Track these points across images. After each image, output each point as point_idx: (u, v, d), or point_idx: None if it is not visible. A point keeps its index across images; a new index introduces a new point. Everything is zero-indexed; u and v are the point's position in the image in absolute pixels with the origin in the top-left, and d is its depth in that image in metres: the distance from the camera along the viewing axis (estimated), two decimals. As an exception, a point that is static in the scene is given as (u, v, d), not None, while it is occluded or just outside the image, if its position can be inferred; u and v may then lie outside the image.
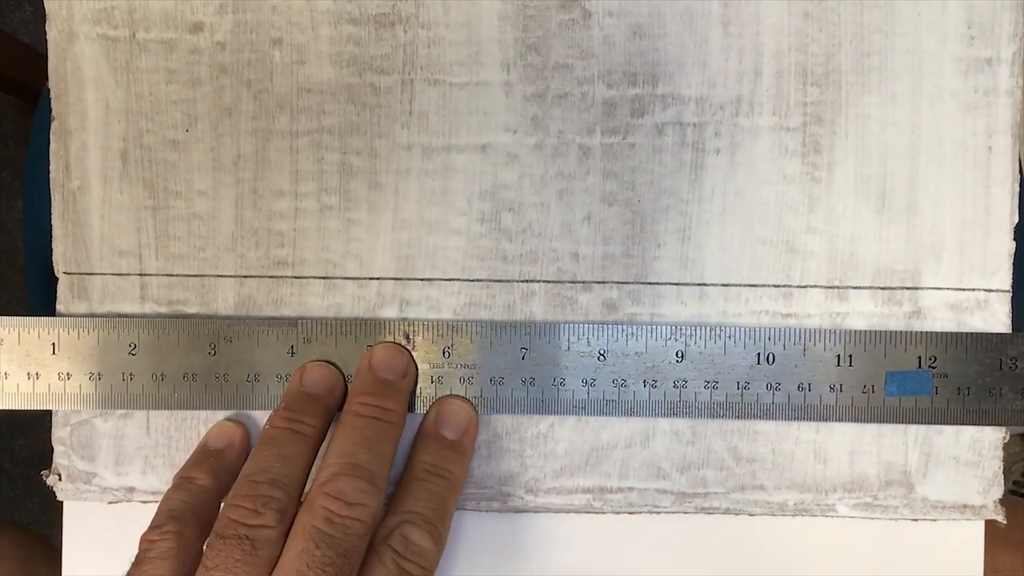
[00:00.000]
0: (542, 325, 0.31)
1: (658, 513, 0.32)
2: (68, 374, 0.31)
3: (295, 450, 0.29)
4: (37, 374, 0.31)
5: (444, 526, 0.29)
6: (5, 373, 0.31)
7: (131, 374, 0.31)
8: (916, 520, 0.32)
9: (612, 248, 0.32)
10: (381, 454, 0.29)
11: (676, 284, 0.32)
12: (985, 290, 0.31)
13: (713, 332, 0.31)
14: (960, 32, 0.31)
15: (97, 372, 0.31)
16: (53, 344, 0.31)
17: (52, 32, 0.32)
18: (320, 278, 0.32)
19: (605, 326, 0.31)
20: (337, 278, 0.32)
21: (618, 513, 0.32)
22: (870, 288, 0.31)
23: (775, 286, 0.32)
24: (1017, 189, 0.31)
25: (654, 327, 0.31)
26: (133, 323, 0.31)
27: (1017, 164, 0.31)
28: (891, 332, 0.31)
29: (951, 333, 0.31)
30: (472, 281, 0.32)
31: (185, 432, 0.32)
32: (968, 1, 0.31)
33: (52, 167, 0.32)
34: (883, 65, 0.31)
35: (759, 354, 0.31)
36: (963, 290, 0.31)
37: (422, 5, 0.31)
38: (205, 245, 0.32)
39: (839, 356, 0.31)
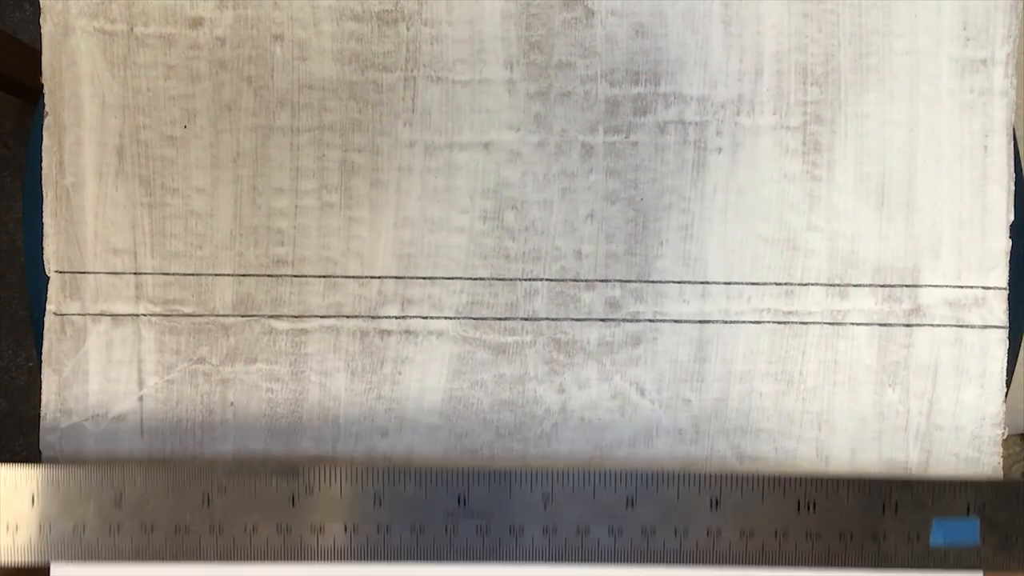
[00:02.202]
0: (568, 472, 0.29)
1: None
2: (51, 526, 0.29)
3: None
4: (17, 527, 0.29)
5: None
6: None
7: (118, 526, 0.29)
8: (917, 517, 0.32)
9: (615, 246, 0.32)
10: None
11: (679, 282, 0.32)
12: (983, 287, 0.32)
13: (750, 480, 0.29)
14: (956, 33, 0.31)
15: (82, 524, 0.29)
16: (32, 495, 0.29)
17: (47, 26, 0.31)
18: (320, 276, 0.31)
19: (631, 473, 0.29)
20: (338, 276, 0.31)
21: None
22: (870, 286, 0.32)
23: (777, 284, 0.32)
24: (1013, 187, 0.32)
25: (688, 474, 0.29)
26: (118, 471, 0.29)
27: (1013, 163, 0.32)
28: (938, 480, 0.29)
29: (1000, 481, 0.30)
30: (475, 279, 0.31)
31: (180, 435, 0.31)
32: (963, 3, 0.31)
33: (44, 163, 0.31)
34: (881, 65, 0.31)
35: (799, 501, 0.29)
36: (961, 287, 0.32)
37: (425, 2, 0.31)
38: (203, 243, 0.31)
39: (884, 503, 0.29)
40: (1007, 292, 0.32)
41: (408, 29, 0.31)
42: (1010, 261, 0.32)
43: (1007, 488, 0.29)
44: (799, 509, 0.29)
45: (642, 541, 0.29)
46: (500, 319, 0.32)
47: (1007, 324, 0.32)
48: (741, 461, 0.32)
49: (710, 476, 0.29)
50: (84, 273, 0.31)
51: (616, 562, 0.29)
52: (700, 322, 0.32)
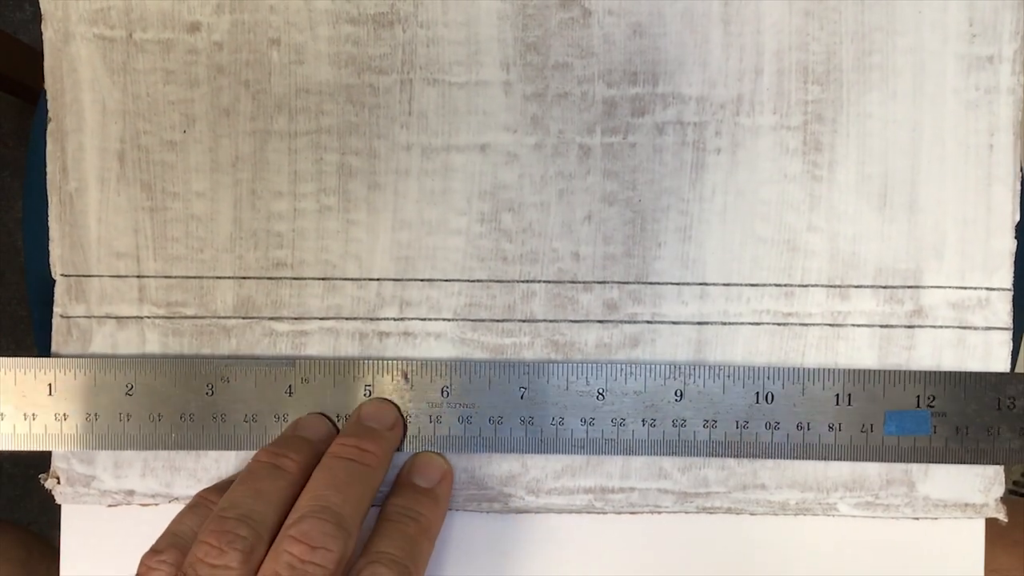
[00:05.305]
0: (541, 364, 0.31)
1: (660, 513, 0.32)
2: (65, 415, 0.31)
3: (272, 486, 0.28)
4: (34, 415, 0.31)
5: (416, 567, 0.28)
6: (2, 414, 0.31)
7: (128, 415, 0.31)
8: (917, 519, 0.32)
9: (613, 248, 0.31)
10: (355, 497, 0.28)
11: (677, 284, 0.31)
12: (987, 288, 0.31)
13: (712, 371, 0.31)
14: (961, 30, 0.31)
15: (94, 413, 0.31)
16: (49, 385, 0.31)
17: (48, 32, 0.31)
18: (319, 279, 0.32)
19: (604, 365, 0.31)
20: (336, 279, 0.32)
21: (619, 513, 0.32)
22: (871, 287, 0.31)
23: (776, 285, 0.31)
24: (1018, 187, 0.31)
25: (653, 366, 0.31)
26: (130, 364, 0.31)
27: (1018, 162, 0.31)
28: (890, 371, 0.31)
29: (950, 372, 0.31)
30: (472, 282, 0.32)
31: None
32: (969, -1, 0.31)
33: (48, 169, 0.31)
34: (884, 63, 0.31)
35: (758, 393, 0.31)
36: (964, 288, 0.31)
37: (421, 4, 0.31)
38: (203, 246, 0.32)
39: (838, 395, 0.30)
40: (1011, 293, 0.31)
41: (404, 31, 0.31)
42: (1015, 262, 0.31)
43: (955, 381, 0.31)
44: (758, 400, 0.31)
45: (613, 431, 0.31)
46: (498, 321, 0.32)
47: (1011, 326, 0.31)
48: (739, 462, 0.32)
49: (675, 368, 0.31)
50: (89, 276, 0.32)
51: (590, 452, 0.31)
52: (698, 323, 0.31)
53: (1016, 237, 0.31)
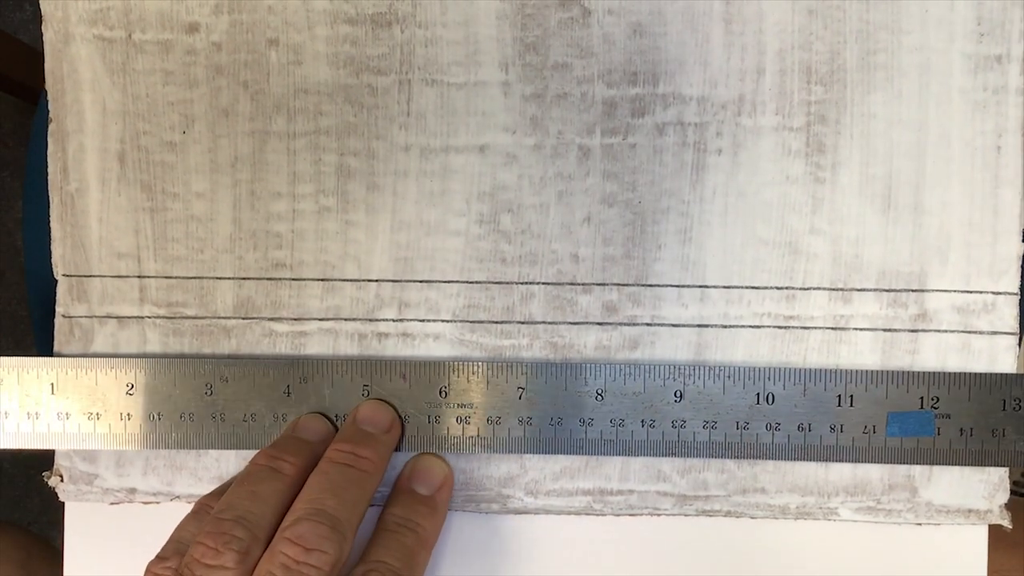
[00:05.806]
0: (539, 364, 0.31)
1: (659, 515, 0.32)
2: (67, 414, 0.31)
3: (269, 488, 0.28)
4: (37, 414, 0.31)
5: None
6: (5, 413, 0.31)
7: (129, 414, 0.31)
8: (920, 524, 0.32)
9: (612, 250, 0.31)
10: (350, 501, 0.28)
11: (677, 286, 0.31)
12: (993, 292, 0.31)
13: (712, 372, 0.30)
14: (969, 29, 0.30)
15: (95, 412, 0.31)
16: (52, 384, 0.31)
17: (48, 33, 0.31)
18: (318, 280, 0.32)
19: (603, 365, 0.31)
20: (336, 280, 0.32)
21: (618, 515, 0.32)
22: (875, 290, 0.31)
23: (778, 288, 0.31)
24: (1026, 190, 0.30)
25: (653, 366, 0.30)
26: (130, 363, 0.31)
27: (1026, 164, 0.30)
28: (893, 372, 0.30)
29: (954, 373, 0.30)
30: (471, 283, 0.31)
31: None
32: (977, -3, 0.30)
33: (50, 169, 0.32)
34: (889, 63, 0.30)
35: (759, 394, 0.30)
36: (970, 292, 0.31)
37: (419, 4, 0.31)
38: (203, 247, 0.32)
39: (840, 396, 0.30)
40: (1018, 298, 0.31)
41: (402, 32, 0.31)
42: (1022, 266, 0.31)
43: (960, 382, 0.30)
44: (758, 400, 0.30)
45: (612, 432, 0.31)
46: (497, 322, 0.32)
47: (1017, 330, 0.31)
48: (739, 465, 0.31)
49: (674, 368, 0.31)
50: (90, 277, 0.32)
51: (589, 452, 0.31)
52: (698, 326, 0.31)
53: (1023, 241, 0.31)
